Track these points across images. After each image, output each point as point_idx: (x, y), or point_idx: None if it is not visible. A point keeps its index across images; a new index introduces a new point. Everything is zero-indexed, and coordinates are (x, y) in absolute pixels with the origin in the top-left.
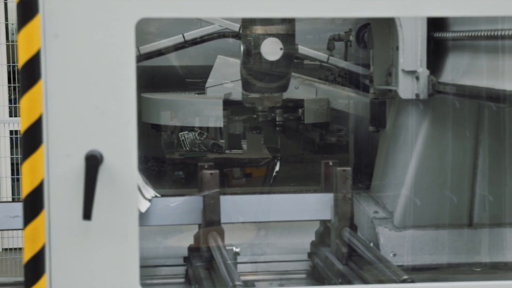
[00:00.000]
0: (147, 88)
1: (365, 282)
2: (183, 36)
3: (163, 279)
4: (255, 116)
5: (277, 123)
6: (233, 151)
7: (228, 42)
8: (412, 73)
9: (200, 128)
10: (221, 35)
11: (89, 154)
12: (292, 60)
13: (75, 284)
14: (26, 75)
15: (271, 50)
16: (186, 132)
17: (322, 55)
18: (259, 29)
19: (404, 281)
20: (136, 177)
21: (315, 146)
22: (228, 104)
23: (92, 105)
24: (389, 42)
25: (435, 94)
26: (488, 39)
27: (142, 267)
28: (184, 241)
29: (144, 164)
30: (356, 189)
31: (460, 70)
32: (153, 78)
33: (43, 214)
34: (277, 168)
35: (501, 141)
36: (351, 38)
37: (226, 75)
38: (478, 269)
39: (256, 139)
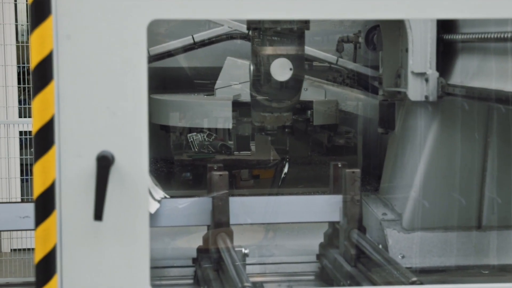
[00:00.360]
0: (157, 89)
1: (374, 284)
2: (193, 38)
3: (172, 280)
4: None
5: (285, 124)
6: (241, 152)
7: (237, 44)
8: (422, 75)
9: (209, 129)
10: (230, 36)
11: (100, 155)
12: (301, 81)
13: (86, 284)
14: (39, 76)
15: (281, 71)
16: (195, 133)
17: (331, 57)
18: (268, 50)
19: (413, 283)
20: (147, 178)
21: (324, 148)
22: (237, 105)
23: (103, 106)
24: (398, 44)
25: (444, 96)
26: (497, 41)
27: (151, 268)
28: (193, 242)
29: (153, 165)
30: (365, 191)
31: (470, 72)
32: (163, 79)
33: (55, 215)
34: (285, 169)
35: (510, 143)
36: (360, 40)
37: (235, 77)
38: (487, 272)
39: (265, 140)
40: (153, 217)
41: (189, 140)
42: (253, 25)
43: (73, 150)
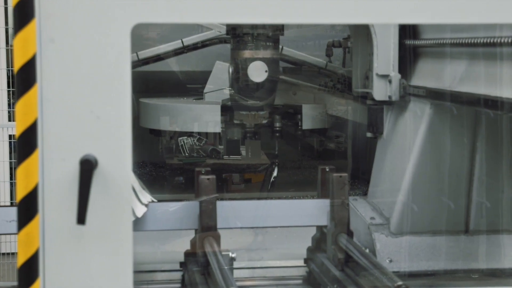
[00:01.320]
0: (146, 93)
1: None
2: (182, 42)
3: (159, 284)
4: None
5: (275, 129)
6: (231, 156)
7: (227, 48)
8: (385, 76)
9: (199, 133)
10: (220, 40)
11: (83, 158)
12: (276, 82)
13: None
14: (22, 79)
15: (257, 72)
16: (185, 137)
17: (320, 61)
18: (246, 54)
19: (398, 287)
20: (130, 182)
21: (313, 151)
22: (227, 110)
23: (87, 109)
24: (367, 48)
25: (406, 96)
26: (453, 46)
27: (139, 272)
28: (181, 246)
29: (142, 169)
30: (353, 195)
31: (429, 74)
32: (152, 83)
33: (37, 218)
34: (275, 173)
35: (498, 147)
36: (349, 44)
37: (225, 81)
38: (476, 276)
39: (255, 145)
40: (140, 221)
41: (180, 144)
42: (232, 30)
43: (56, 154)
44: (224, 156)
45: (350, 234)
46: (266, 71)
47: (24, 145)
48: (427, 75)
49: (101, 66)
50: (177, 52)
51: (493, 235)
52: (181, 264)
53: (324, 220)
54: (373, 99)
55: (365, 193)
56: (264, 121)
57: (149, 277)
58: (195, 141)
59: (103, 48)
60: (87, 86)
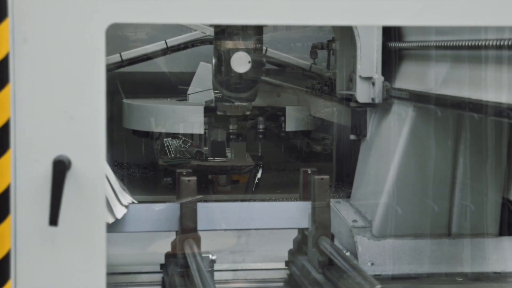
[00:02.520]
0: (129, 93)
1: None
2: (166, 43)
3: (140, 286)
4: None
5: (258, 130)
6: (216, 158)
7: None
8: (369, 79)
9: (183, 135)
10: (203, 41)
11: (56, 159)
12: (259, 72)
13: None
14: None
15: (240, 63)
16: (170, 138)
17: (305, 63)
18: (229, 44)
19: None
20: (104, 183)
21: (297, 154)
22: (211, 111)
23: (61, 110)
24: (351, 51)
25: (389, 99)
26: (437, 48)
27: (119, 273)
28: (162, 248)
29: (126, 170)
30: (337, 198)
31: (412, 77)
32: (136, 84)
33: (9, 219)
34: (259, 175)
35: (481, 150)
36: (334, 46)
37: (209, 82)
38: (461, 279)
39: (240, 147)
40: (120, 223)
41: (165, 145)
42: None
43: (29, 154)
44: (209, 158)
45: (331, 236)
46: (249, 62)
47: None
48: (410, 77)
49: (75, 66)
50: (160, 53)
51: (476, 238)
52: (162, 266)
53: (305, 223)
54: (356, 102)
55: (348, 196)
56: (248, 113)
57: (129, 279)
58: (180, 142)
59: (77, 48)
60: (61, 86)
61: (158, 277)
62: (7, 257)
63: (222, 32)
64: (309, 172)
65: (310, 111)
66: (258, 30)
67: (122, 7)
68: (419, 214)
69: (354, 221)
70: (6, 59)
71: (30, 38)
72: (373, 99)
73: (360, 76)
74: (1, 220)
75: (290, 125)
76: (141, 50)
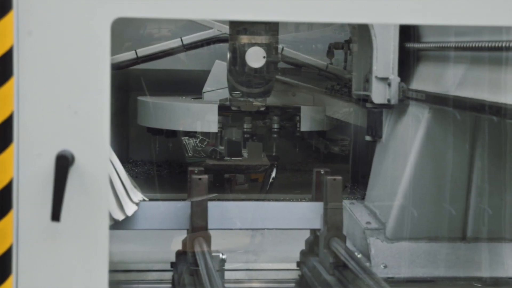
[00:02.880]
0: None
1: None
2: (181, 40)
3: (150, 284)
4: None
5: (273, 130)
6: (233, 158)
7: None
8: (385, 79)
9: (198, 133)
10: (219, 40)
11: (59, 154)
12: (275, 68)
13: (42, 286)
14: None
15: (255, 58)
16: (187, 137)
17: (321, 63)
18: (244, 39)
19: None
20: (107, 178)
21: (311, 154)
22: (226, 109)
23: (64, 104)
24: (367, 51)
25: (405, 100)
26: (456, 50)
27: (129, 271)
28: (174, 246)
29: (140, 167)
30: (351, 199)
31: (430, 79)
32: (152, 81)
33: (11, 214)
34: (273, 174)
35: (497, 153)
36: (351, 46)
37: (224, 80)
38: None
39: (256, 147)
40: (131, 220)
41: (183, 143)
42: None
43: (32, 149)
44: (225, 158)
45: (342, 238)
46: (264, 57)
47: None
48: (427, 79)
49: (80, 60)
50: (176, 51)
51: (492, 243)
52: (172, 264)
53: (317, 223)
54: (372, 102)
55: (363, 197)
56: (262, 108)
57: (140, 276)
58: (197, 141)
59: (82, 42)
60: (65, 80)
61: (168, 275)
62: (8, 252)
63: (238, 27)
64: (322, 172)
65: (326, 111)
66: (274, 25)
67: (128, 1)
68: (434, 217)
69: (368, 223)
70: (10, 52)
71: (34, 31)
72: (388, 100)
73: (376, 77)
74: (3, 215)
75: (305, 125)
76: (156, 47)
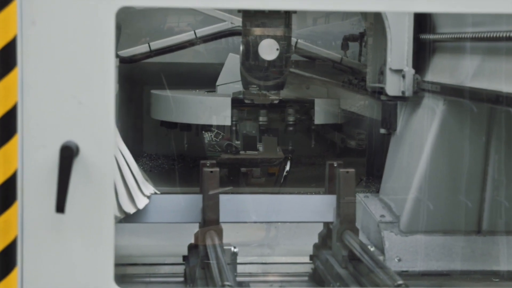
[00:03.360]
0: (158, 84)
1: (362, 285)
2: (195, 33)
3: (162, 277)
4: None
5: (288, 123)
6: (248, 152)
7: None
8: (399, 71)
9: (212, 126)
10: (232, 32)
11: (64, 145)
12: (288, 61)
13: (47, 278)
14: (1, 62)
15: (268, 50)
16: (203, 131)
17: (336, 56)
18: (257, 31)
19: (398, 286)
20: (112, 170)
21: (326, 147)
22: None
23: (69, 94)
24: (382, 43)
25: (419, 92)
26: (472, 40)
27: (142, 264)
28: (186, 239)
29: (155, 161)
30: (366, 192)
31: (445, 70)
32: (164, 75)
33: (16, 206)
34: (287, 168)
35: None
36: (366, 39)
37: (238, 73)
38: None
39: (271, 141)
40: (142, 213)
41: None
42: None
43: (36, 140)
44: (241, 152)
45: (355, 231)
46: (277, 49)
47: (3, 130)
48: (441, 70)
49: (84, 50)
50: (189, 44)
51: (508, 236)
52: (184, 257)
53: (330, 217)
54: (387, 95)
55: (378, 190)
56: (276, 101)
57: (152, 270)
58: (212, 135)
59: (86, 31)
60: (69, 70)
61: (180, 268)
62: (13, 244)
63: (251, 18)
64: (335, 165)
65: (341, 104)
66: (287, 17)
67: None
68: (449, 210)
69: (382, 216)
70: (13, 42)
71: (38, 20)
72: (403, 92)
73: (391, 69)
74: (8, 207)
75: (319, 118)
76: (170, 40)
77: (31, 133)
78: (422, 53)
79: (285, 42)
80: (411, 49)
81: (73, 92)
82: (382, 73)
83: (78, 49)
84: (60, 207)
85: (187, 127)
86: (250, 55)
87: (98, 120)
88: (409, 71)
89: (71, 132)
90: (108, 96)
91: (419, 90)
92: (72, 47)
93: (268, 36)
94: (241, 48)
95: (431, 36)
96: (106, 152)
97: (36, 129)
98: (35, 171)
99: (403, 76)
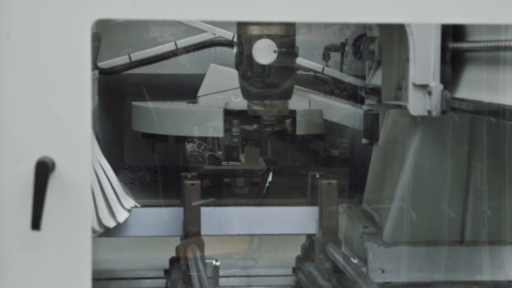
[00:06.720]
0: (138, 96)
1: None
2: (175, 44)
3: None
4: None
5: (269, 133)
6: (230, 162)
7: (222, 50)
8: (424, 87)
9: (193, 137)
10: (213, 43)
11: (39, 160)
12: (293, 65)
13: None
14: None
15: (263, 52)
16: (185, 143)
17: (317, 66)
18: (254, 30)
19: None
20: (89, 185)
21: (310, 157)
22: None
23: (44, 108)
24: (399, 54)
25: (449, 111)
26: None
27: (122, 279)
28: (167, 252)
29: (136, 173)
30: (349, 203)
31: (478, 85)
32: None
33: None
34: (270, 178)
35: (495, 156)
36: (347, 49)
37: (219, 84)
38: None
39: (253, 151)
40: (122, 227)
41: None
42: None
43: (11, 155)
44: (223, 162)
45: (338, 243)
46: (275, 51)
47: None
48: (475, 85)
49: (60, 63)
50: (170, 55)
51: (491, 246)
52: (165, 271)
53: (313, 229)
54: (369, 105)
55: (361, 201)
56: (285, 113)
57: (133, 284)
58: (194, 146)
59: (61, 44)
60: (45, 84)
61: (162, 282)
62: None
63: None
64: (317, 176)
65: (323, 114)
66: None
67: (109, 2)
68: (431, 220)
69: (365, 227)
70: None
71: (12, 33)
72: (429, 112)
73: (414, 84)
74: None
75: (301, 129)
76: (150, 51)
77: (5, 148)
78: (450, 65)
79: (286, 42)
80: (438, 61)
81: (48, 106)
82: (400, 88)
83: (54, 62)
84: (36, 224)
85: (165, 138)
86: (243, 59)
87: (74, 134)
88: (437, 86)
89: (47, 147)
90: (85, 109)
91: (449, 110)
92: (47, 60)
93: (265, 35)
94: (235, 54)
95: (463, 45)
96: (83, 167)
97: (11, 144)
98: (10, 187)
99: (429, 93)
